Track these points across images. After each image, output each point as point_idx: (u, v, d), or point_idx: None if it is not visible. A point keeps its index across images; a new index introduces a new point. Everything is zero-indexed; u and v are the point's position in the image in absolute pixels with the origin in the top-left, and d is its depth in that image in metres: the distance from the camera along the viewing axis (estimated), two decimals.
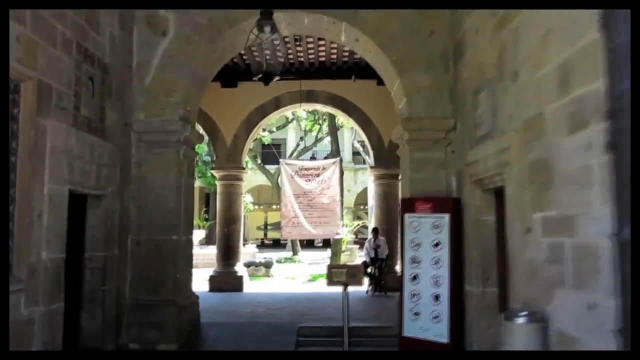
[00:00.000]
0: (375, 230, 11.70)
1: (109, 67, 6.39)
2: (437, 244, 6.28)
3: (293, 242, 26.42)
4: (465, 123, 6.52)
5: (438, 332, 6.08)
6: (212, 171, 12.64)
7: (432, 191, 6.84)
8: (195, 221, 29.27)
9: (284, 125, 27.58)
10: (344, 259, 18.37)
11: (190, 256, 7.73)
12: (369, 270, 11.41)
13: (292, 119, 26.09)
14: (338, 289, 12.42)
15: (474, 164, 6.03)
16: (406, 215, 6.59)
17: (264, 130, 25.27)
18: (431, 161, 6.94)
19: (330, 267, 6.65)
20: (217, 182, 12.65)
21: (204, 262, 20.06)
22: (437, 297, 6.19)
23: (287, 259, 23.18)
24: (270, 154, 34.27)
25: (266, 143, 25.84)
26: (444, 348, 5.98)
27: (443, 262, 6.21)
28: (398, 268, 11.99)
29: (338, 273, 6.54)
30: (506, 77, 5.06)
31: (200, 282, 13.07)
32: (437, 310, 6.16)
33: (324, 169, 12.77)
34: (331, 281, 6.56)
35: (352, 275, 6.50)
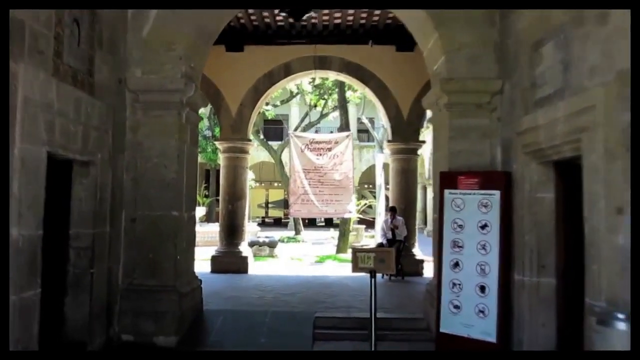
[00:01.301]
0: (392, 209, 10.76)
1: (100, 12, 5.38)
2: (484, 226, 5.35)
3: (296, 221, 25.53)
4: (516, 84, 5.55)
5: (484, 329, 5.18)
6: (216, 142, 11.66)
7: (473, 164, 5.90)
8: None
9: (288, 100, 26.45)
10: (350, 239, 17.48)
11: (193, 236, 6.81)
12: None
13: (297, 93, 25.00)
14: (348, 272, 11.60)
15: (531, 132, 5.06)
16: (446, 192, 5.65)
17: (267, 104, 24.26)
18: (474, 129, 5.98)
19: (355, 251, 5.70)
20: (220, 155, 11.68)
21: (204, 240, 19.22)
22: (483, 288, 5.28)
23: (289, 239, 22.30)
24: (273, 129, 33.34)
25: (270, 117, 24.83)
26: (492, 348, 5.09)
27: (491, 247, 5.29)
28: (415, 251, 11.13)
29: (365, 258, 5.61)
30: (588, 20, 4.08)
31: (200, 263, 12.20)
32: (484, 303, 5.26)
33: (336, 142, 11.81)
34: (356, 267, 5.62)
35: (380, 260, 5.56)
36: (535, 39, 5.03)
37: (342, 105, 16.67)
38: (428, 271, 10.93)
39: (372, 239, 21.35)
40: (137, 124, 6.08)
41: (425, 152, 23.00)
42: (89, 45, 5.17)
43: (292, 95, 25.64)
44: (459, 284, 5.45)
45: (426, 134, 23.27)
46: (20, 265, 3.92)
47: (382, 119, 13.36)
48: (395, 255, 10.37)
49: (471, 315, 5.30)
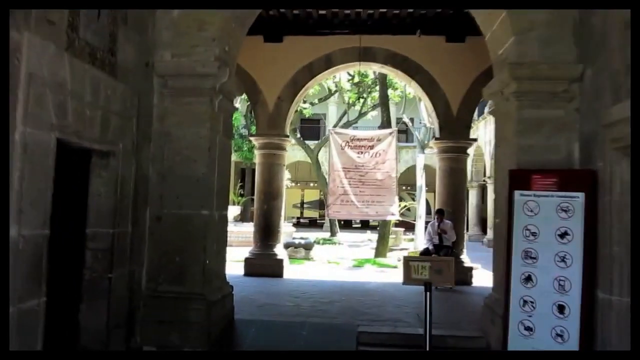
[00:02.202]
0: (439, 212, 9.93)
1: None
2: (564, 234, 4.52)
3: (332, 222, 24.85)
4: (603, 69, 4.70)
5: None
6: (252, 138, 11.04)
7: (545, 162, 5.07)
8: (230, 196, 28.07)
9: (326, 98, 25.79)
10: (389, 243, 16.66)
11: (224, 237, 6.17)
12: None
13: (335, 91, 24.33)
14: (390, 278, 10.83)
15: (624, 123, 4.22)
16: (517, 193, 4.84)
17: (304, 102, 23.65)
18: (547, 121, 5.15)
19: (407, 260, 4.96)
20: (256, 152, 11.07)
21: (238, 240, 18.78)
22: (561, 308, 4.46)
23: (325, 240, 21.62)
24: (310, 128, 32.75)
25: (307, 116, 24.22)
26: None
27: (573, 260, 4.46)
28: (464, 257, 10.29)
29: (419, 268, 4.87)
30: None
31: (234, 264, 11.64)
32: (562, 326, 4.44)
33: (378, 140, 11.06)
34: (408, 278, 4.88)
35: (437, 271, 4.82)
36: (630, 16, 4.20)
37: (384, 102, 15.86)
38: (477, 280, 10.08)
39: (411, 242, 20.50)
40: (165, 112, 5.47)
41: (470, 151, 22.04)
42: (111, 20, 4.58)
43: (330, 93, 24.99)
44: (532, 302, 4.63)
45: (480, 127, 21.99)
46: (20, 270, 3.33)
47: (428, 116, 12.59)
48: None
49: (546, 339, 4.48)
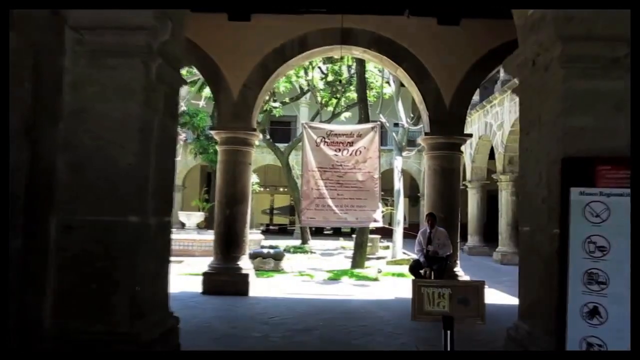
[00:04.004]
0: (431, 216, 8.50)
1: None
2: None
3: (303, 229, 23.31)
4: None
5: None
6: (212, 132, 9.50)
7: (599, 150, 3.72)
8: (194, 202, 26.27)
9: (297, 98, 24.33)
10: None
11: (166, 252, 4.62)
12: (421, 272, 8.33)
13: (307, 90, 22.92)
14: (373, 294, 9.40)
15: None
16: (574, 192, 3.45)
17: (274, 100, 22.16)
18: (603, 96, 3.81)
19: (419, 285, 3.53)
20: (218, 148, 9.53)
21: (201, 249, 17.21)
22: None
23: (296, 249, 20.05)
24: (280, 130, 31.21)
25: (277, 115, 22.70)
26: None
27: None
28: (458, 270, 8.94)
29: (434, 296, 3.46)
30: None
31: (192, 279, 10.07)
32: None
33: (359, 135, 9.68)
34: (420, 311, 3.47)
35: (462, 300, 3.42)
36: None
37: (362, 97, 14.47)
38: None
39: (386, 250, 19.16)
40: (81, 80, 3.92)
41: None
42: None
43: (302, 93, 23.57)
44: (600, 346, 3.26)
45: (475, 119, 19.91)
46: None
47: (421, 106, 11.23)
48: (436, 277, 8.27)
49: None
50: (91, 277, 3.80)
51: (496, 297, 9.44)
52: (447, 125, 9.02)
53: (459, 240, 9.19)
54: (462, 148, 9.37)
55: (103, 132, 3.88)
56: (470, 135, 10.20)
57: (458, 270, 8.86)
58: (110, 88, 3.92)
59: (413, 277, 8.59)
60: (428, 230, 8.43)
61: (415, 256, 9.20)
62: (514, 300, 9.11)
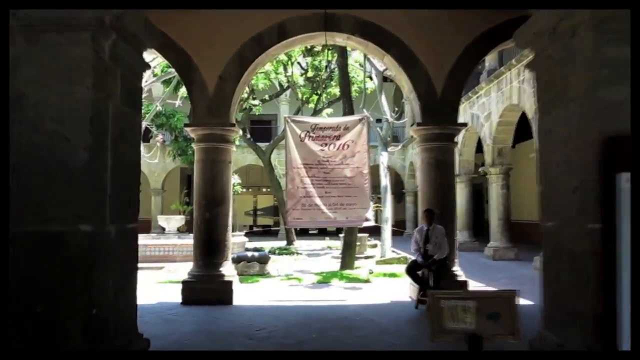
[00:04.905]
0: (429, 212, 7.87)
1: None
2: None
3: (288, 229, 22.65)
4: None
5: None
6: (187, 129, 8.76)
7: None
8: (174, 206, 25.42)
9: (277, 95, 23.65)
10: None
11: (130, 265, 3.92)
12: (419, 273, 7.72)
13: (287, 87, 22.25)
14: (365, 297, 8.79)
15: None
16: (622, 178, 2.86)
17: (254, 98, 21.44)
18: None
19: (437, 297, 2.91)
20: (194, 146, 8.82)
21: (182, 255, 16.42)
22: None
23: (282, 250, 19.37)
24: (260, 130, 30.45)
25: (257, 113, 22.01)
26: None
27: None
28: (456, 270, 8.36)
29: (456, 310, 2.84)
30: None
31: (172, 287, 9.37)
32: None
33: (346, 128, 9.04)
34: (441, 330, 2.85)
35: (492, 315, 2.81)
36: None
37: (345, 91, 13.82)
38: None
39: (375, 248, 18.59)
40: (17, 60, 3.23)
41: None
42: None
43: (282, 90, 22.89)
44: None
45: (461, 111, 18.33)
46: None
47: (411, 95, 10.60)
48: (434, 279, 7.67)
49: None
50: (36, 299, 3.12)
51: None
52: (440, 115, 8.42)
53: (455, 238, 8.61)
54: (456, 139, 8.79)
55: (44, 122, 3.19)
56: (465, 125, 9.60)
57: (457, 269, 8.27)
58: (52, 69, 3.23)
59: (410, 279, 8.00)
60: (425, 228, 7.82)
61: (403, 254, 8.57)
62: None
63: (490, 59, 15.97)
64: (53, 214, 3.16)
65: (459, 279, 8.14)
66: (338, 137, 8.97)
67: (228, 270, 8.48)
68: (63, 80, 3.21)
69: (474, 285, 8.78)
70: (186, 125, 8.92)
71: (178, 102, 20.88)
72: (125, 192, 3.72)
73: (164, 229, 20.64)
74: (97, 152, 3.29)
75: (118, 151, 3.55)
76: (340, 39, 8.96)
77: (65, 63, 3.23)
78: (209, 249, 8.27)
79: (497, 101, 15.43)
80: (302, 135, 8.90)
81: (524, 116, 14.38)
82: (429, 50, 8.48)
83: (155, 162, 25.52)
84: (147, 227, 25.45)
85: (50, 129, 3.18)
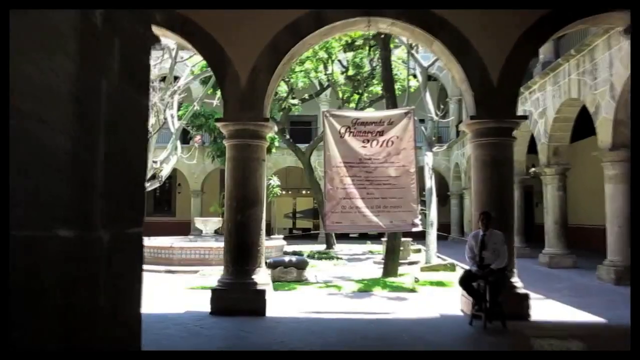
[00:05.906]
0: (486, 216, 7.01)
1: None
2: None
3: (328, 233, 21.92)
4: None
5: None
6: (218, 124, 8.18)
7: None
8: (212, 208, 25.08)
9: (317, 94, 23.04)
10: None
11: (132, 278, 3.29)
12: (474, 284, 6.87)
13: (327, 86, 21.61)
14: (414, 310, 7.98)
15: None
16: None
17: (293, 97, 20.86)
18: None
19: None
20: (225, 143, 8.22)
21: (218, 258, 15.93)
22: None
23: (321, 254, 18.63)
24: (300, 131, 29.89)
25: (296, 113, 21.44)
26: None
27: None
28: (515, 280, 7.46)
29: None
30: None
31: (203, 294, 8.79)
32: None
33: (390, 123, 8.29)
34: None
35: None
36: None
37: (388, 87, 13.03)
38: (536, 312, 7.28)
39: (418, 253, 17.69)
40: None
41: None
42: None
43: (322, 89, 22.31)
44: None
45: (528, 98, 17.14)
46: None
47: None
48: (491, 291, 6.78)
49: None
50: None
51: (557, 310, 7.96)
52: (496, 107, 7.57)
53: (514, 245, 7.71)
54: (514, 134, 7.89)
55: (18, 102, 2.55)
56: (525, 117, 8.71)
57: (516, 281, 7.38)
58: (26, 35, 2.59)
59: (464, 291, 7.15)
60: (481, 233, 6.96)
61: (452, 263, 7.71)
62: (581, 315, 7.64)
63: (544, 51, 14.85)
64: (29, 214, 2.52)
65: (519, 291, 7.25)
66: (381, 133, 8.22)
67: (261, 277, 7.83)
68: (40, 48, 2.57)
69: (534, 298, 7.84)
70: (217, 120, 8.32)
71: (215, 102, 20.51)
72: (125, 191, 3.05)
73: (201, 231, 20.28)
74: (82, 140, 2.62)
75: (115, 141, 2.89)
76: (383, 25, 8.20)
77: (45, 29, 2.60)
78: (241, 254, 7.64)
79: (553, 96, 14.32)
80: (342, 131, 8.20)
81: (582, 112, 13.26)
82: (484, 36, 7.65)
83: (194, 163, 25.22)
84: (187, 229, 25.21)
85: (27, 109, 2.54)
